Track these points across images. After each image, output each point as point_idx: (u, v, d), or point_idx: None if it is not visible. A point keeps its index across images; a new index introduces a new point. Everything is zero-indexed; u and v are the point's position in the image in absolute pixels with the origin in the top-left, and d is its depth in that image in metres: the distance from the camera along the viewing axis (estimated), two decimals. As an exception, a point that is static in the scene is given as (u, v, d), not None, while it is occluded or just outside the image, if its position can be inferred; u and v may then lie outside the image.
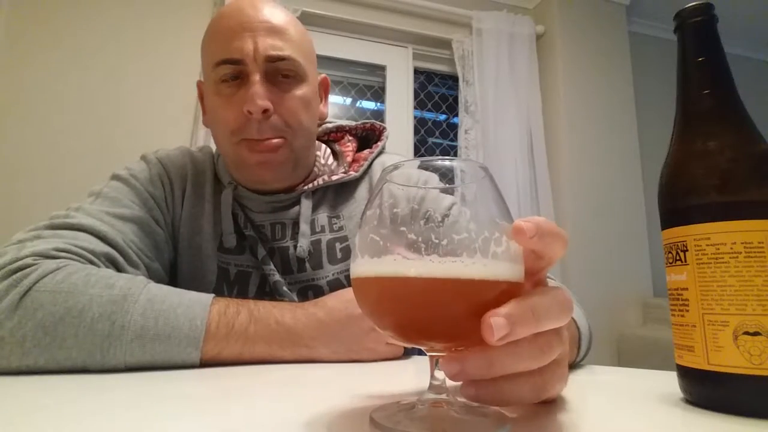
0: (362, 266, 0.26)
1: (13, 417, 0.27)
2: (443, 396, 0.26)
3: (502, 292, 0.24)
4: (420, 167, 0.29)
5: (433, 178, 0.57)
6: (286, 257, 0.66)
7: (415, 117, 2.23)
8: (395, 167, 0.28)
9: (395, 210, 0.26)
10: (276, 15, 0.62)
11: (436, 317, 0.25)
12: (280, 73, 0.61)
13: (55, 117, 1.68)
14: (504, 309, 0.23)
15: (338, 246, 0.67)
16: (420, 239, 0.24)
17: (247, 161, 0.61)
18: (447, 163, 0.29)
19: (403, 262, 0.24)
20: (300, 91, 0.63)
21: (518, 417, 0.28)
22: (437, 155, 2.21)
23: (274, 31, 0.60)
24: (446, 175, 0.29)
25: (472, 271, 0.24)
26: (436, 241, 0.24)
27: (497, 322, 0.22)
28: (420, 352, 0.66)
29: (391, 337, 0.27)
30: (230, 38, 0.59)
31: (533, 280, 0.28)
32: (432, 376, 0.27)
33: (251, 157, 0.61)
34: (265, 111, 0.58)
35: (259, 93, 0.58)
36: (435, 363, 0.27)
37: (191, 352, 0.43)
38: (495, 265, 0.24)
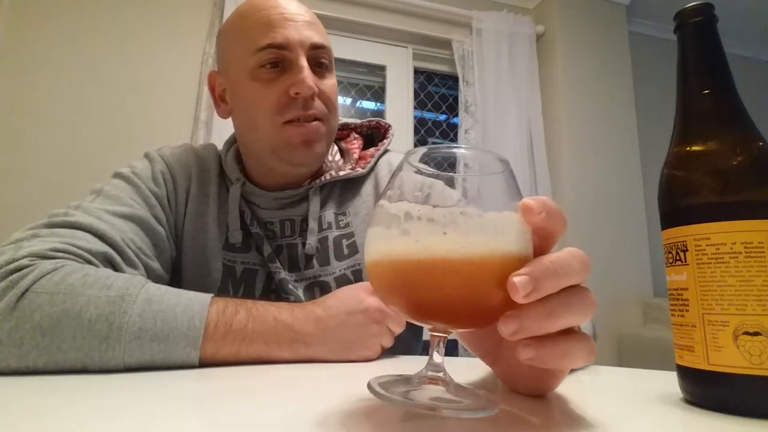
0: (375, 244, 0.27)
1: (13, 418, 0.27)
2: (440, 375, 0.28)
3: (513, 266, 0.25)
4: (435, 153, 0.30)
5: (438, 186, 0.59)
6: (294, 254, 0.66)
7: (415, 117, 2.23)
8: (414, 153, 0.30)
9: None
10: (308, 11, 0.67)
11: (443, 295, 0.26)
12: (317, 61, 0.65)
13: (55, 117, 1.68)
14: (525, 269, 0.24)
15: (345, 242, 0.67)
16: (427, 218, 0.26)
17: (293, 141, 0.63)
18: (463, 151, 0.31)
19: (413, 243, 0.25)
20: (332, 80, 0.68)
21: (517, 416, 0.28)
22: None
23: (311, 23, 0.66)
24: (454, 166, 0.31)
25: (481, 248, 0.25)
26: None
27: (521, 280, 0.24)
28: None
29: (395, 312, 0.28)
30: (274, 26, 0.62)
31: None
32: (431, 356, 0.28)
33: (297, 137, 0.63)
34: (313, 94, 0.62)
35: (310, 76, 0.62)
36: (437, 343, 0.28)
37: (190, 352, 0.42)
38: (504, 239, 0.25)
